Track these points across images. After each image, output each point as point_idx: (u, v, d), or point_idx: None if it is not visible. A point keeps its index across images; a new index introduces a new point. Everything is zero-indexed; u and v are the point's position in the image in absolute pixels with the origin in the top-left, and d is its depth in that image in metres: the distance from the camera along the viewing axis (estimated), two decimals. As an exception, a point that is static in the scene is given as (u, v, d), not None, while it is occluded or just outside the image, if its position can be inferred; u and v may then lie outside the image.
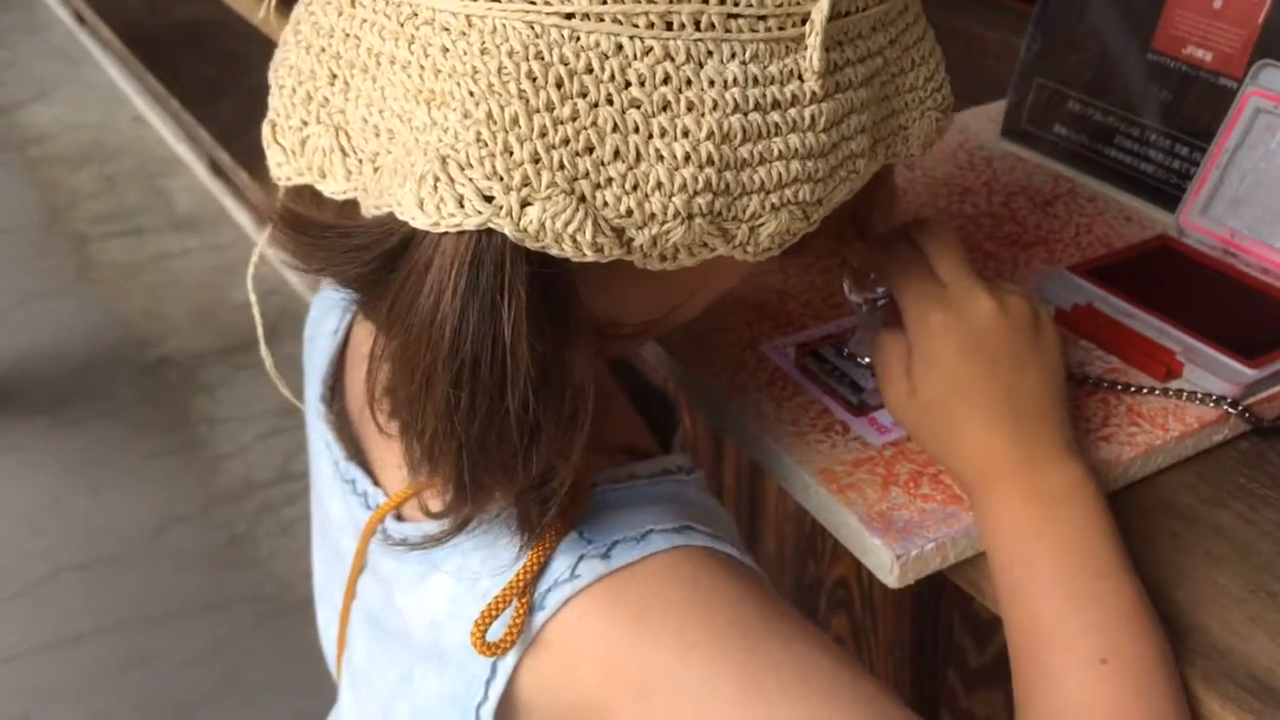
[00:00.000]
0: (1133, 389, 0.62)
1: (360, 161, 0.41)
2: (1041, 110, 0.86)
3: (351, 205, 0.43)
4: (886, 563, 0.54)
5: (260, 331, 0.53)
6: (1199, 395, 0.61)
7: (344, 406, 0.62)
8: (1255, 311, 0.66)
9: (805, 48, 0.41)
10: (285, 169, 0.44)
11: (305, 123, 0.43)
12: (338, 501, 0.59)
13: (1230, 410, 0.60)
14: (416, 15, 0.40)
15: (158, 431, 2.21)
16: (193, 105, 2.30)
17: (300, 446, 2.16)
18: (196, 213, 2.93)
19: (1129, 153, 0.81)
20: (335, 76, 0.42)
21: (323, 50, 0.43)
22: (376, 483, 0.56)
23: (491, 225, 0.38)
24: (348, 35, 0.42)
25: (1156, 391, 0.61)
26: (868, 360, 0.61)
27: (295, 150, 0.43)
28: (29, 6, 4.17)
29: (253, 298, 0.54)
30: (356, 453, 0.59)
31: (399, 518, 0.55)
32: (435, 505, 0.46)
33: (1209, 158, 0.72)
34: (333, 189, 0.42)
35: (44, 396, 2.29)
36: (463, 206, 0.37)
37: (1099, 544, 0.51)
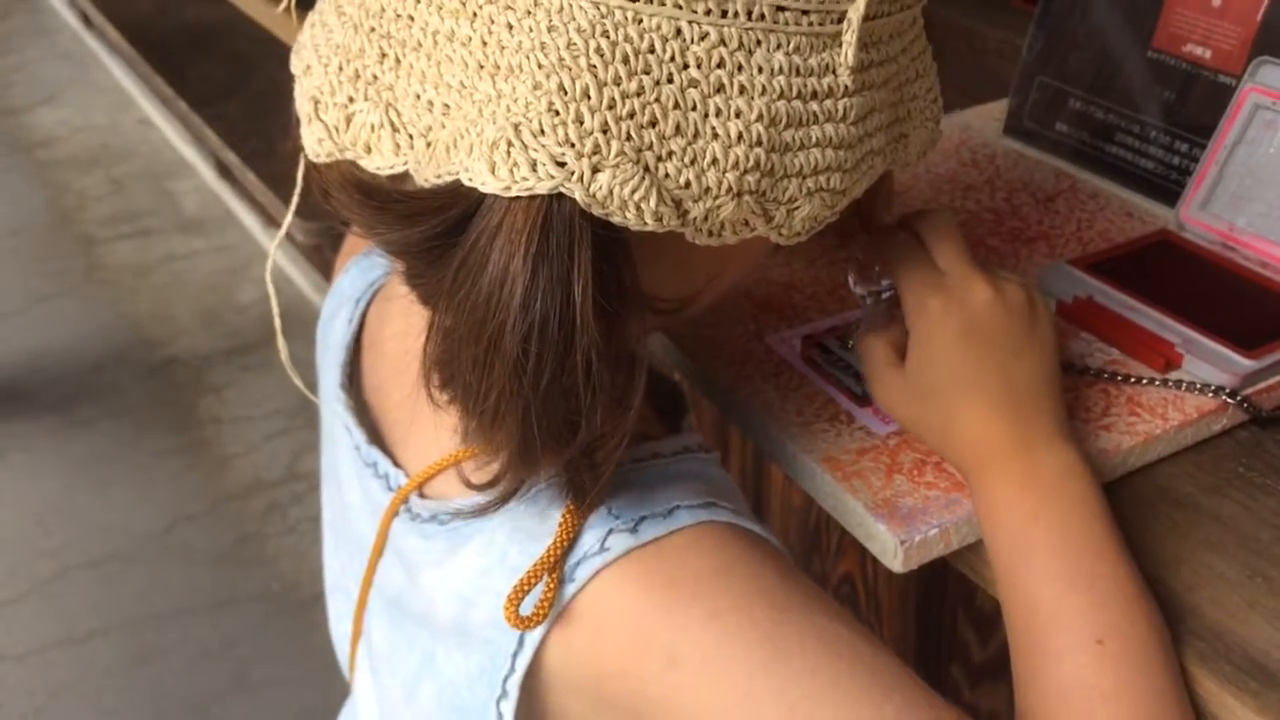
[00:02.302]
0: (1133, 380, 0.63)
1: (411, 137, 0.43)
2: (1043, 108, 0.87)
3: (397, 179, 0.44)
4: (891, 548, 0.55)
5: (278, 321, 0.54)
6: (1198, 386, 0.62)
7: (361, 392, 0.63)
8: (1254, 304, 0.67)
9: (840, 44, 0.44)
10: (326, 145, 0.45)
11: (352, 99, 0.44)
12: (356, 487, 0.60)
13: (1229, 400, 0.61)
14: None
15: (166, 431, 2.23)
16: (200, 107, 2.32)
17: (307, 446, 2.17)
18: (203, 214, 2.95)
19: (1130, 149, 0.82)
20: (385, 55, 0.44)
21: (372, 30, 0.44)
22: (397, 464, 0.58)
23: (563, 190, 0.39)
24: (399, 15, 0.43)
25: (1156, 382, 0.62)
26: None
27: (339, 127, 0.45)
28: (36, 10, 4.19)
29: (270, 289, 0.55)
30: (376, 437, 0.60)
31: (422, 496, 0.56)
32: (478, 477, 0.47)
33: (1208, 154, 0.73)
34: (378, 164, 0.44)
35: (53, 397, 2.31)
36: (536, 171, 0.39)
37: (1095, 527, 0.52)
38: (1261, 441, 0.62)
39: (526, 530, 0.50)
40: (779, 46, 0.42)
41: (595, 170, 0.39)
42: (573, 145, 0.39)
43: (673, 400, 0.67)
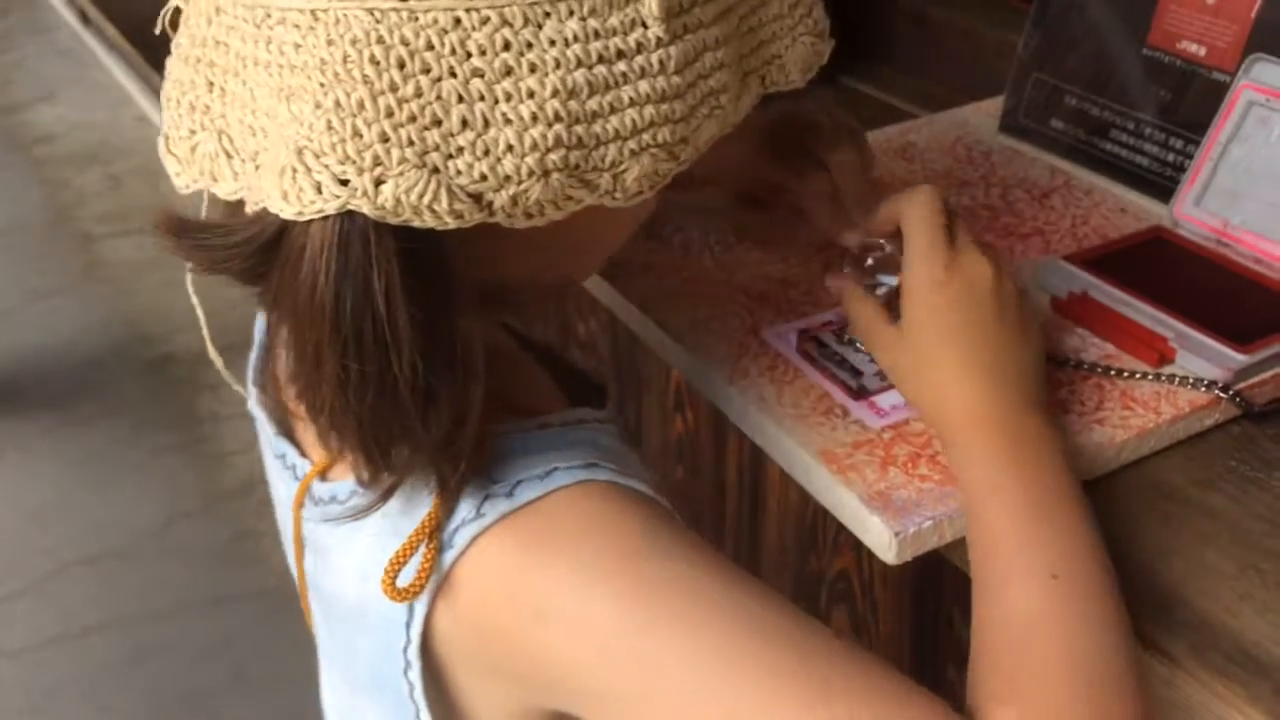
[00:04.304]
0: (1126, 374, 0.63)
1: (243, 161, 0.44)
2: (1039, 105, 0.87)
3: (242, 204, 0.45)
4: (885, 540, 0.55)
5: (204, 326, 0.56)
6: (1191, 380, 0.62)
7: (277, 384, 0.63)
8: (1247, 299, 0.68)
9: None
10: (183, 177, 0.46)
11: (193, 131, 0.45)
12: (279, 482, 0.61)
13: (1221, 394, 0.61)
14: (270, 16, 0.41)
15: (163, 428, 2.22)
16: (198, 105, 2.32)
17: (305, 443, 2.17)
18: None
19: (1125, 146, 0.82)
20: (212, 84, 0.44)
21: (198, 60, 0.45)
22: (303, 455, 0.58)
23: (351, 207, 0.40)
24: (218, 43, 0.44)
25: (1149, 376, 0.63)
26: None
27: (187, 158, 0.46)
28: (34, 7, 4.18)
29: (194, 299, 0.56)
30: (286, 430, 0.60)
31: (324, 479, 0.56)
32: (363, 475, 0.48)
33: (1202, 150, 0.73)
34: (225, 190, 0.45)
35: (50, 394, 2.31)
36: (320, 193, 0.39)
37: (1062, 481, 0.53)
38: (1253, 436, 0.62)
39: (415, 500, 0.50)
40: (571, 14, 0.41)
41: (379, 182, 0.40)
42: (353, 161, 0.39)
43: (588, 385, 0.66)
